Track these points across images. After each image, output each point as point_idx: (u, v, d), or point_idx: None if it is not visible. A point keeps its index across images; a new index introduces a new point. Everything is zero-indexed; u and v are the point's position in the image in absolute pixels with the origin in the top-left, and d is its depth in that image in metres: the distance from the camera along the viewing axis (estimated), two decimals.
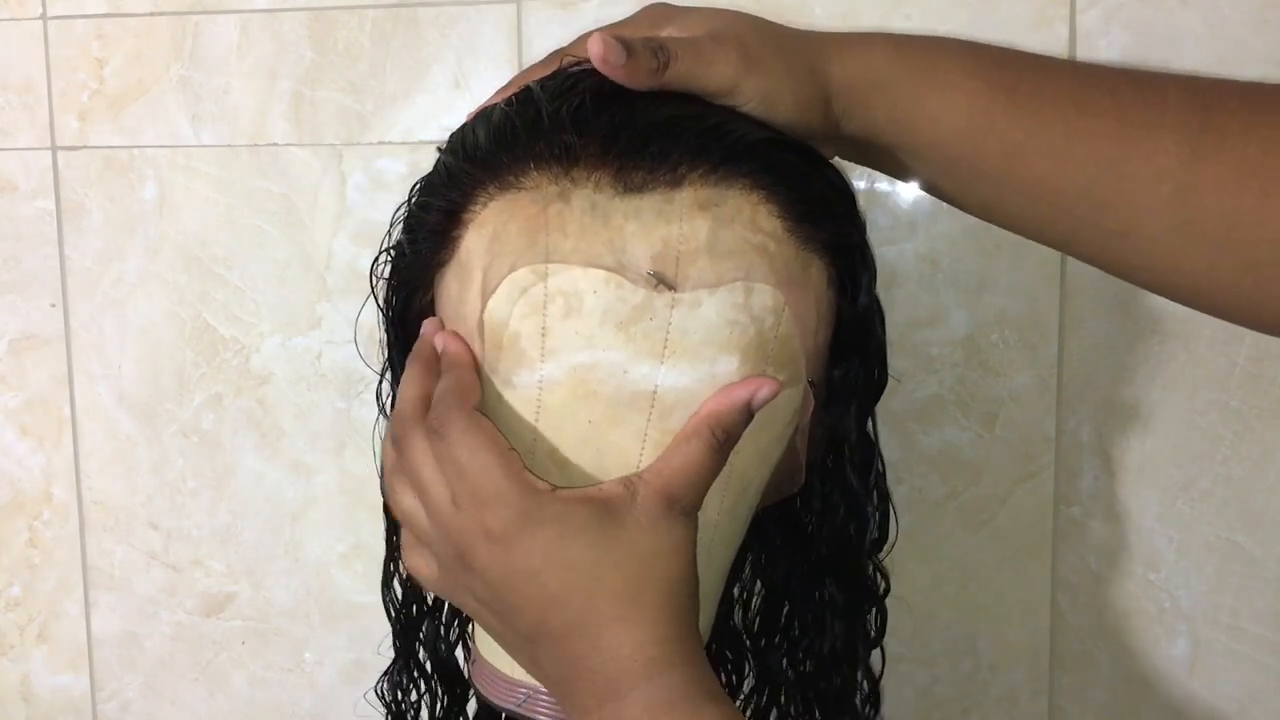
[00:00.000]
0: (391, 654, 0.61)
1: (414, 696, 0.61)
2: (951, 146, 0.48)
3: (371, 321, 0.57)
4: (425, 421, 0.47)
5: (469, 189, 0.48)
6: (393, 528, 0.58)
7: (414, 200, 0.52)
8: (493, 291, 0.46)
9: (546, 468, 0.47)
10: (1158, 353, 0.78)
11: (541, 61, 0.51)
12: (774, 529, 0.58)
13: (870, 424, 0.56)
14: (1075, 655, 0.82)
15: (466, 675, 0.59)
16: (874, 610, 0.59)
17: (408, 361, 0.49)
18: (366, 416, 0.83)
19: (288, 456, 0.87)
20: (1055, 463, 0.80)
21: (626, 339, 0.45)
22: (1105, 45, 0.76)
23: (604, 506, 0.44)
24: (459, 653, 0.60)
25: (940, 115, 0.48)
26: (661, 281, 0.45)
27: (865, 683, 0.59)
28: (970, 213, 0.52)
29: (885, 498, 0.57)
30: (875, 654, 0.60)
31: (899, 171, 0.52)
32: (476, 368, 0.48)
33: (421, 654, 0.60)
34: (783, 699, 0.60)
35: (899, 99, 0.48)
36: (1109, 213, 0.46)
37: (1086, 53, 0.76)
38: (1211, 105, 0.45)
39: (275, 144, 0.85)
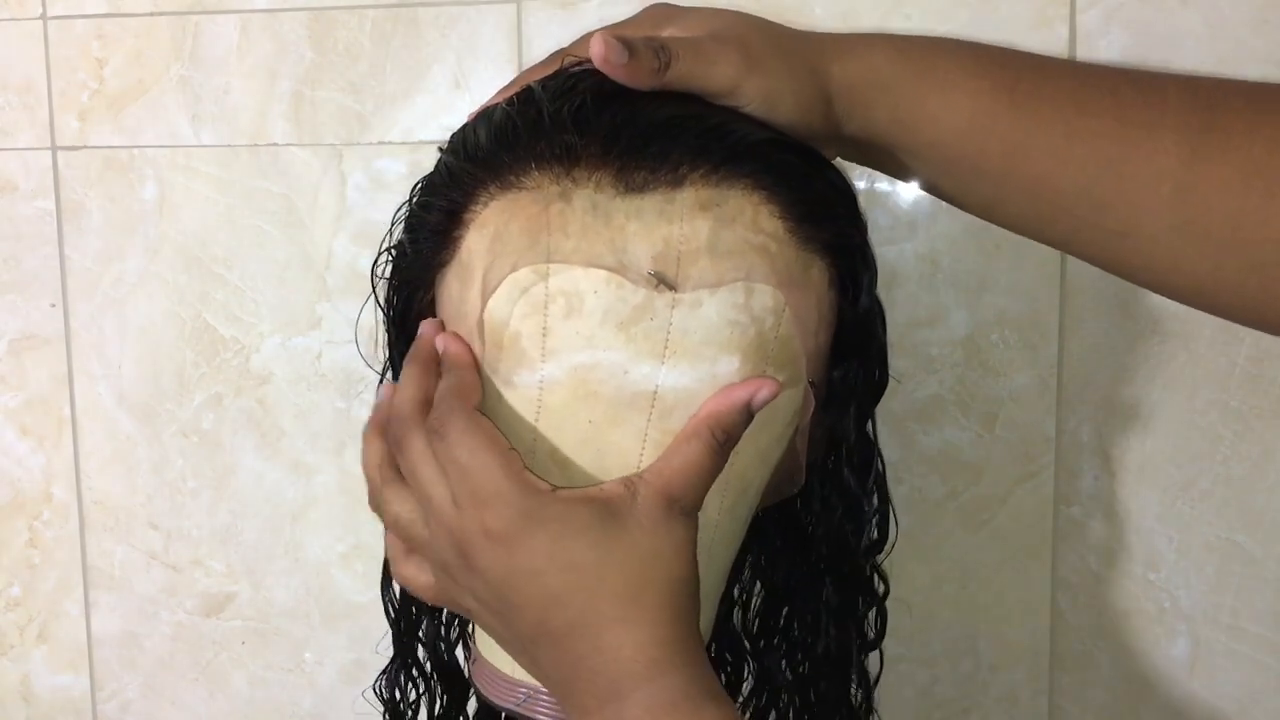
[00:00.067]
0: (390, 652, 0.61)
1: (413, 696, 0.61)
2: (952, 146, 0.48)
3: (372, 321, 0.57)
4: (425, 422, 0.46)
5: (470, 189, 0.48)
6: None
7: (415, 200, 0.52)
8: (493, 291, 0.46)
9: (547, 468, 0.47)
10: (1158, 353, 0.78)
11: (543, 61, 0.51)
12: (774, 530, 0.58)
13: (870, 425, 0.56)
14: (1075, 655, 0.82)
15: (467, 675, 0.59)
16: (874, 612, 0.59)
17: (405, 363, 0.49)
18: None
19: (288, 456, 0.87)
20: (1055, 463, 0.80)
21: (627, 339, 0.45)
22: (1105, 45, 0.76)
23: (605, 507, 0.44)
24: (459, 652, 0.60)
25: (941, 115, 0.47)
26: (662, 281, 0.45)
27: (860, 690, 0.59)
28: (971, 212, 0.52)
29: (885, 500, 0.57)
30: (874, 657, 0.60)
31: (900, 172, 0.52)
32: (477, 368, 0.47)
33: (421, 653, 0.60)
34: (782, 701, 0.60)
35: (900, 100, 0.48)
36: (1109, 212, 0.46)
37: (1086, 53, 0.76)
38: (1214, 105, 0.45)
39: (275, 144, 0.85)
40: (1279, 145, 0.43)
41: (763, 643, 0.61)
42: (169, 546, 0.89)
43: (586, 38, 0.47)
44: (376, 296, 0.55)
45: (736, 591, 0.61)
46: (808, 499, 0.56)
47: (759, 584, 0.61)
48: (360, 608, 0.88)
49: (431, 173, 0.51)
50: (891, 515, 0.58)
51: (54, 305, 0.88)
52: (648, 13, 0.51)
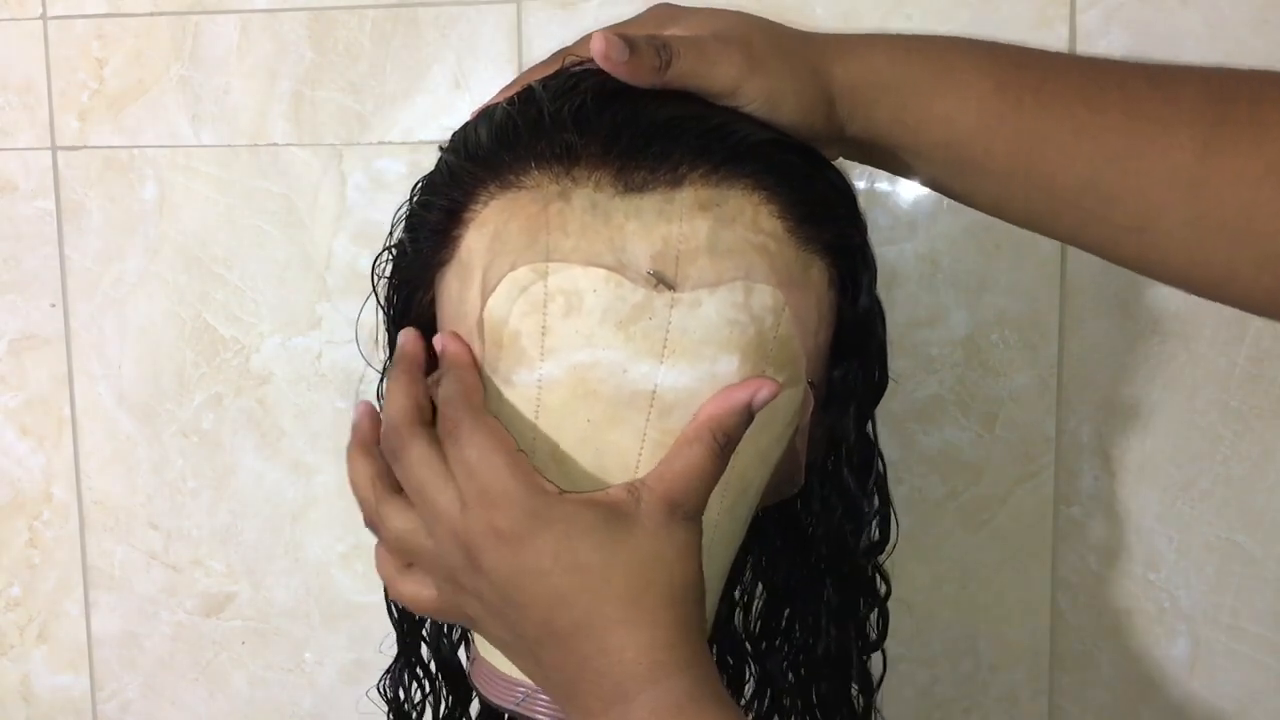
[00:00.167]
0: (392, 652, 0.61)
1: (417, 696, 0.61)
2: (959, 146, 0.48)
3: (372, 321, 0.57)
4: (423, 429, 0.46)
5: (470, 188, 0.48)
6: None
7: (415, 199, 0.52)
8: (493, 290, 0.46)
9: (546, 466, 0.47)
10: (1158, 353, 0.78)
11: (544, 61, 0.51)
12: (774, 530, 0.58)
13: (870, 426, 0.56)
14: (1075, 655, 0.82)
15: (468, 674, 0.59)
16: (875, 613, 0.59)
17: (390, 374, 0.49)
18: None
19: (288, 456, 0.87)
20: (1055, 463, 0.80)
21: (626, 338, 0.45)
22: (1105, 45, 0.76)
23: (611, 510, 0.44)
24: (461, 652, 0.60)
25: (947, 115, 0.47)
26: (661, 281, 0.45)
27: (861, 694, 0.59)
28: (978, 209, 0.51)
29: (886, 500, 0.57)
30: (877, 658, 0.60)
31: (904, 171, 0.52)
32: (476, 367, 0.47)
33: (424, 652, 0.60)
34: (785, 703, 0.60)
35: (904, 100, 0.48)
36: (1121, 207, 0.46)
37: (1086, 52, 0.76)
38: (1226, 99, 0.45)
39: (275, 144, 0.85)
40: None
41: (764, 644, 0.61)
42: (169, 546, 0.89)
43: (589, 37, 0.47)
44: (377, 296, 0.55)
45: (737, 593, 0.61)
46: (808, 499, 0.56)
47: (760, 585, 0.61)
48: (360, 608, 0.88)
49: (432, 172, 0.51)
50: (892, 516, 0.58)
51: (54, 305, 0.88)
52: (651, 13, 0.51)
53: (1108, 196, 0.46)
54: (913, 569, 0.81)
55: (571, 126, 0.46)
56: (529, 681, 0.49)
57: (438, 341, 0.48)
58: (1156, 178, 0.45)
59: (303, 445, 0.87)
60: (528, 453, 0.46)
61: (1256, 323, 0.77)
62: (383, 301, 0.55)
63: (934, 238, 0.79)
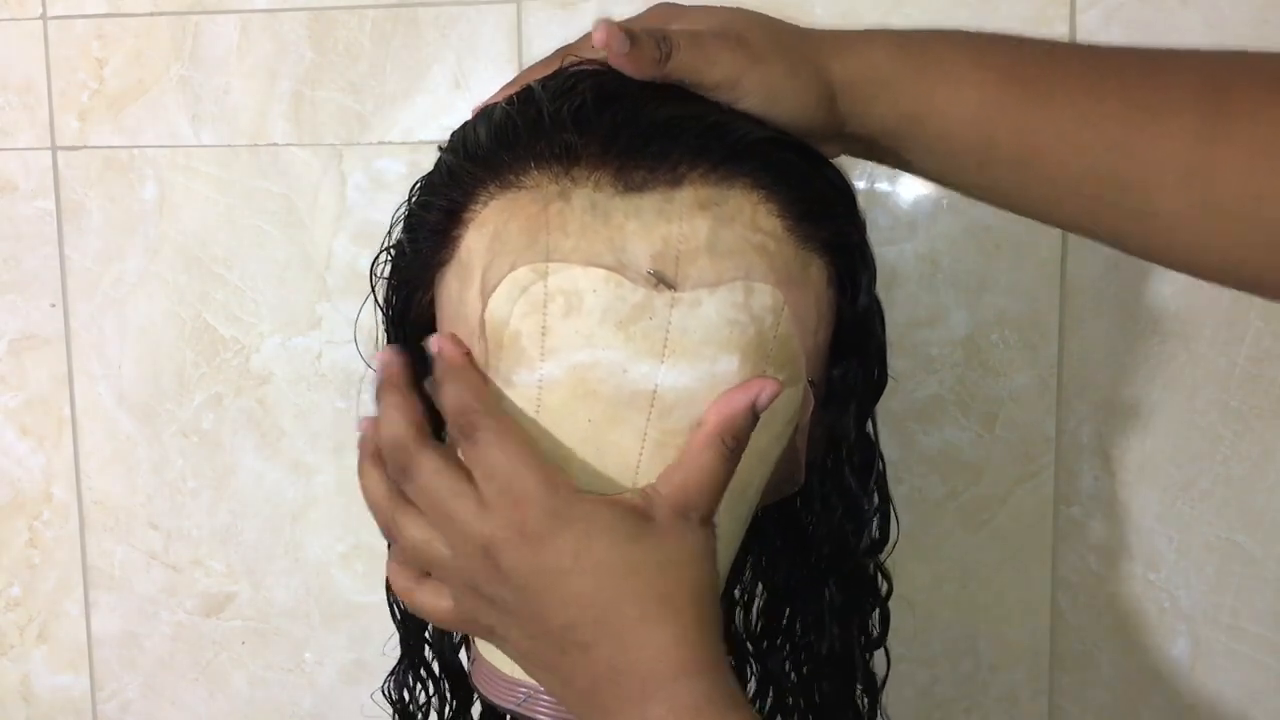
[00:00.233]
0: (395, 654, 0.61)
1: (422, 698, 0.61)
2: (960, 138, 0.48)
3: (371, 322, 0.57)
4: (430, 438, 0.46)
5: (470, 188, 0.48)
6: None
7: (414, 199, 0.52)
8: (493, 290, 0.46)
9: None
10: (1158, 353, 0.78)
11: (545, 60, 0.51)
12: (773, 530, 0.58)
13: (871, 424, 0.56)
14: (1075, 655, 0.82)
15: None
16: (876, 611, 0.59)
17: (380, 393, 0.48)
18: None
19: (288, 456, 0.87)
20: (1055, 463, 0.80)
21: (626, 338, 0.45)
22: (1105, 45, 0.76)
23: (629, 511, 0.44)
24: (463, 654, 0.60)
25: (947, 108, 0.47)
26: (661, 281, 0.45)
27: (865, 694, 0.59)
28: (982, 200, 0.51)
29: (886, 499, 0.57)
30: (880, 657, 0.60)
31: (906, 165, 0.52)
32: (475, 366, 0.47)
33: (428, 654, 0.60)
34: (788, 702, 0.60)
35: (904, 94, 0.48)
36: (1126, 194, 0.46)
37: None
38: (1225, 85, 0.45)
39: (275, 144, 0.85)
40: None
41: (766, 644, 0.61)
42: (169, 546, 0.89)
43: (589, 36, 0.47)
44: (375, 297, 0.55)
45: (738, 592, 0.61)
46: (808, 498, 0.56)
47: (760, 584, 0.61)
48: (360, 608, 0.88)
49: (431, 172, 0.51)
50: (893, 514, 0.58)
51: (54, 305, 0.88)
52: (652, 11, 0.51)
53: (1110, 185, 0.46)
54: (913, 569, 0.81)
55: (571, 126, 0.46)
56: (530, 681, 0.48)
57: (433, 343, 0.48)
58: (1159, 165, 0.45)
59: (303, 445, 0.87)
60: None
61: (1256, 323, 0.77)
62: (381, 302, 0.55)
63: (934, 238, 0.79)
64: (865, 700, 0.59)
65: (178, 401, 0.88)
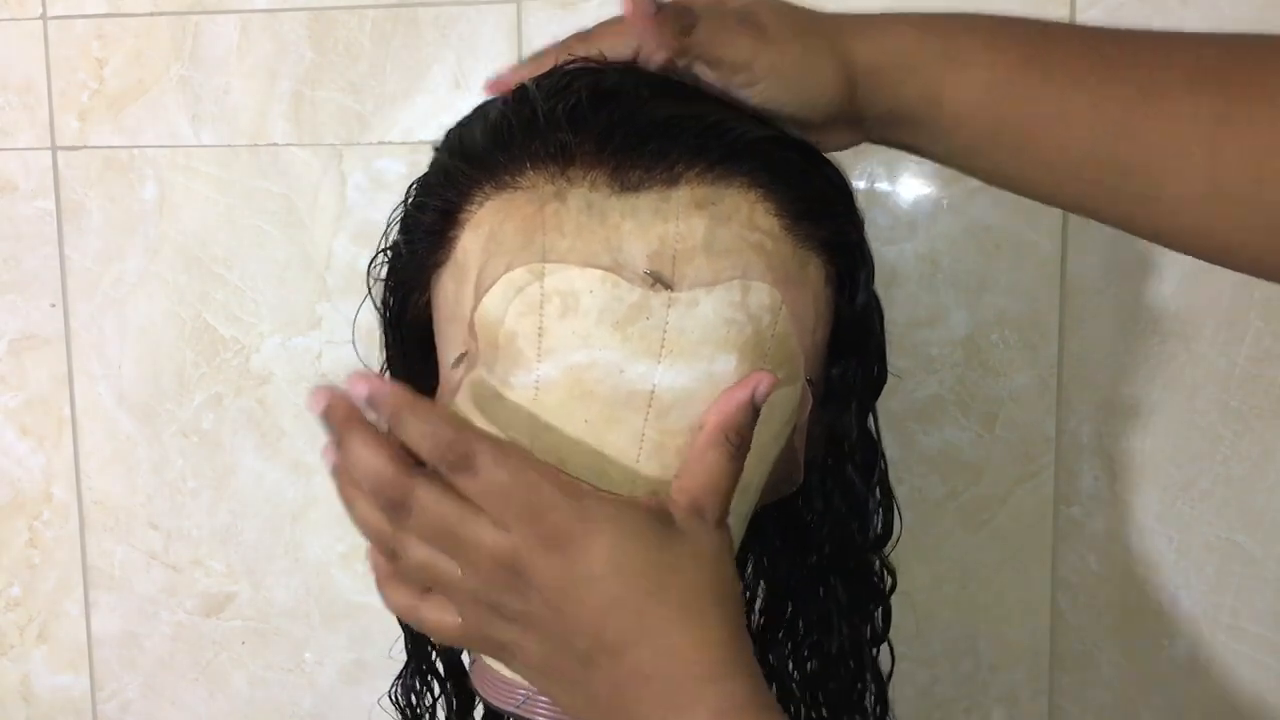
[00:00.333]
0: (400, 657, 0.61)
1: (428, 700, 0.61)
2: (974, 120, 0.48)
3: (370, 321, 0.57)
4: (420, 468, 0.43)
5: (465, 189, 0.48)
6: None
7: (410, 200, 0.52)
8: (488, 291, 0.46)
9: None
10: (1158, 353, 0.78)
11: (560, 44, 0.50)
12: (773, 529, 0.58)
13: (872, 421, 0.56)
14: (1075, 655, 0.82)
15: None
16: (880, 607, 0.59)
17: (342, 432, 0.44)
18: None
19: (288, 456, 0.87)
20: (1055, 463, 0.80)
21: (623, 338, 0.45)
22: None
23: (652, 513, 0.44)
24: (465, 656, 0.60)
25: (959, 91, 0.48)
26: (658, 281, 0.45)
27: (874, 684, 0.59)
28: (999, 185, 0.51)
29: (889, 494, 0.57)
30: (884, 652, 0.60)
31: (927, 151, 0.52)
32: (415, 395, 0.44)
33: (434, 655, 0.60)
34: (793, 700, 0.60)
35: (922, 77, 0.48)
36: (1134, 177, 0.46)
37: None
38: (1236, 66, 0.45)
39: (275, 144, 0.85)
40: None
41: (769, 641, 0.61)
42: (169, 546, 0.89)
43: (604, 23, 0.47)
44: (373, 299, 0.55)
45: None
46: (809, 497, 0.56)
47: (761, 582, 0.61)
48: (360, 608, 0.88)
49: (426, 172, 0.51)
50: (895, 509, 0.58)
51: (54, 305, 0.88)
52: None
53: (1119, 167, 0.46)
54: (913, 569, 0.81)
55: (566, 126, 0.45)
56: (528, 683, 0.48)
57: (360, 390, 0.43)
58: (1167, 148, 0.45)
59: (303, 445, 0.87)
60: None
61: (1256, 323, 0.77)
62: (379, 304, 0.55)
63: (934, 238, 0.79)
64: (874, 695, 0.59)
65: (178, 401, 0.88)
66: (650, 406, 0.46)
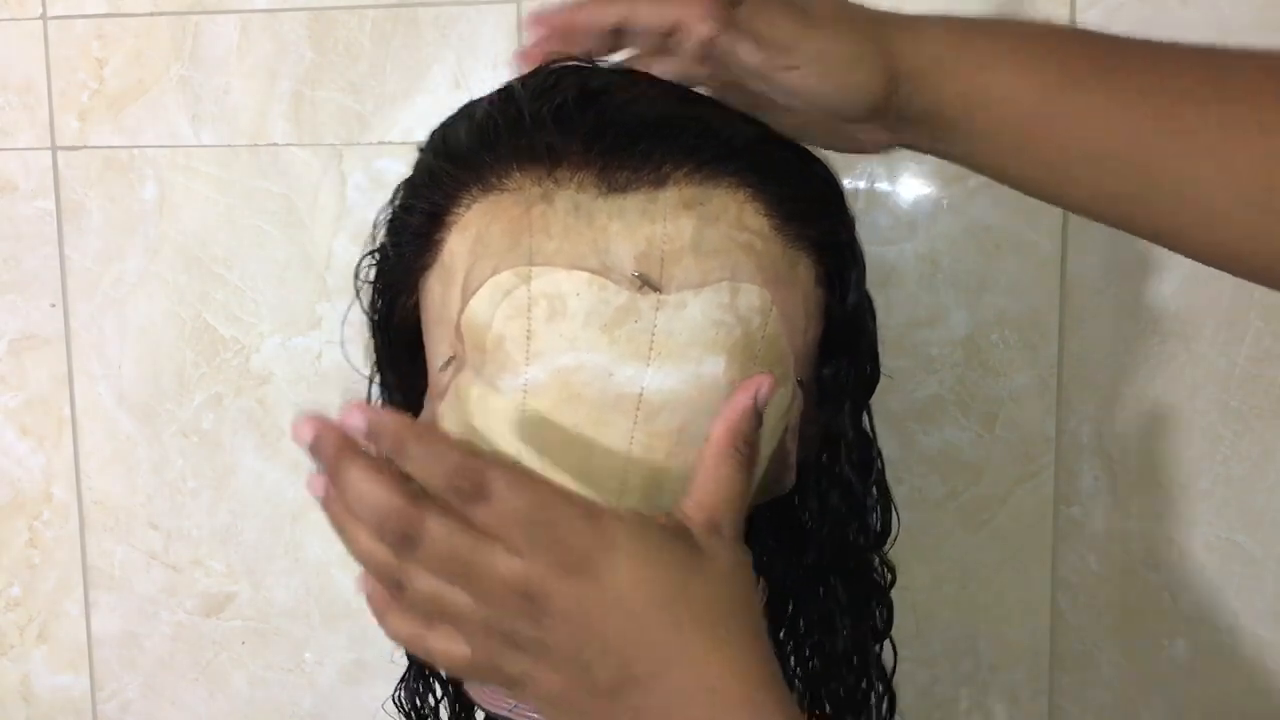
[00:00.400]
0: (402, 660, 0.61)
1: (431, 701, 0.61)
2: (1021, 124, 0.47)
3: (362, 323, 0.57)
4: (428, 498, 0.41)
5: (451, 191, 0.47)
6: None
7: (396, 202, 0.51)
8: (475, 294, 0.46)
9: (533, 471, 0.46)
10: (1158, 353, 0.78)
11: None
12: (767, 530, 0.58)
13: (867, 420, 0.56)
14: (1075, 655, 0.81)
15: None
16: (880, 605, 0.59)
17: (337, 463, 0.41)
18: None
19: (288, 456, 0.87)
20: (1055, 463, 0.80)
21: (610, 341, 0.45)
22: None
23: (672, 532, 0.42)
24: None
25: (1012, 93, 0.47)
26: (646, 283, 0.44)
27: (879, 682, 0.59)
28: (1034, 194, 0.51)
29: (886, 493, 0.57)
30: (886, 651, 0.60)
31: (963, 154, 0.51)
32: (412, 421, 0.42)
33: None
34: (799, 697, 0.60)
35: (972, 77, 0.47)
36: (1181, 190, 0.46)
37: None
38: (1255, 71, 0.45)
39: (275, 144, 0.85)
40: None
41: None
42: (169, 546, 0.89)
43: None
44: (360, 301, 0.55)
45: None
46: (805, 497, 0.55)
47: (762, 581, 0.61)
48: (360, 608, 0.87)
49: (412, 174, 0.51)
50: (892, 507, 0.57)
51: (54, 305, 0.88)
52: None
53: (1173, 180, 0.46)
54: (913, 569, 0.81)
55: (552, 126, 0.45)
56: None
57: (358, 420, 0.40)
58: (1216, 160, 0.45)
59: None
60: (514, 457, 0.46)
61: (1256, 323, 0.77)
62: (366, 306, 0.54)
63: (934, 238, 0.79)
64: (879, 693, 0.59)
65: (178, 401, 0.88)
66: (639, 409, 0.45)
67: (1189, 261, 0.49)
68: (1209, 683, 0.80)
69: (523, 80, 0.48)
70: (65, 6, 0.86)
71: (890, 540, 0.58)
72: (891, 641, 0.60)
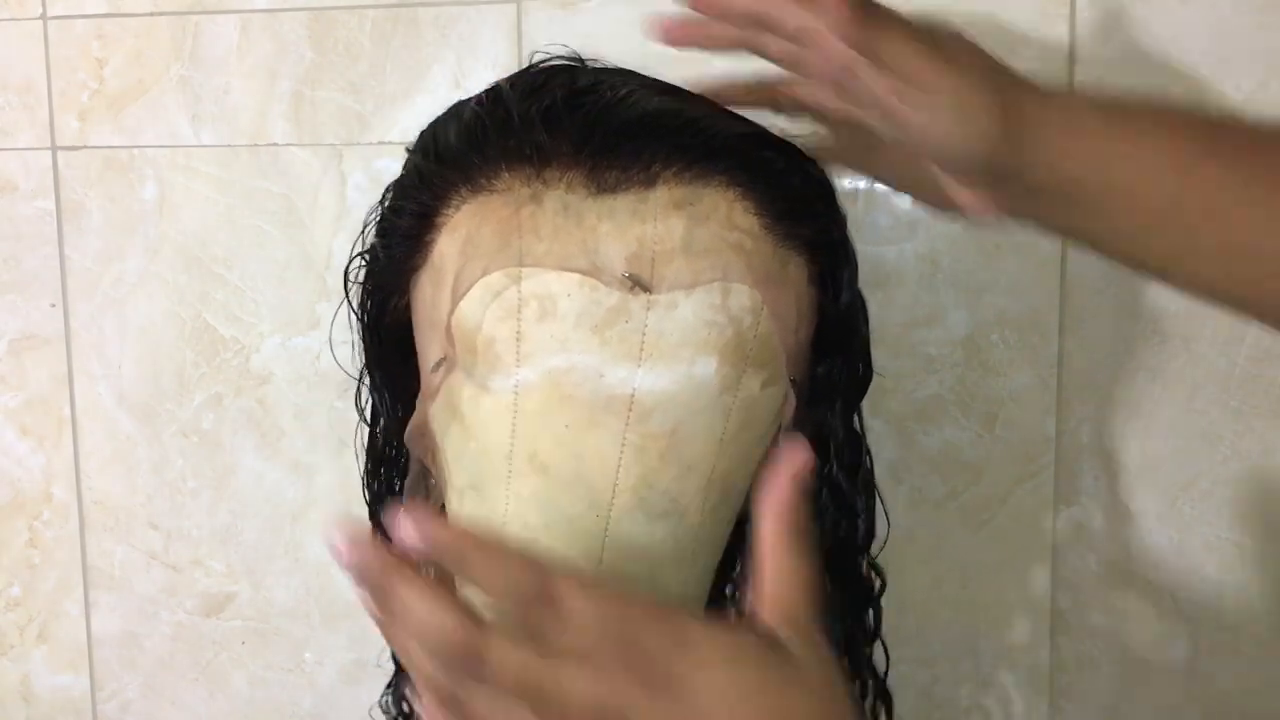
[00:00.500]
0: (390, 665, 0.61)
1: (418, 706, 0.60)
2: (1148, 196, 0.46)
3: (356, 325, 0.57)
4: (490, 626, 0.37)
5: (441, 191, 0.47)
6: None
7: (386, 203, 0.51)
8: (465, 295, 0.46)
9: (525, 473, 0.46)
10: (1158, 353, 0.78)
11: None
12: None
13: (857, 420, 0.55)
14: (1075, 655, 0.81)
15: None
16: (870, 606, 0.59)
17: (385, 592, 0.38)
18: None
19: (288, 456, 0.87)
20: (1055, 463, 0.80)
21: (601, 342, 0.44)
22: (1105, 45, 0.76)
23: (760, 638, 0.39)
24: None
25: (1141, 163, 0.46)
26: (637, 283, 0.44)
27: (871, 682, 0.59)
28: (1147, 271, 0.50)
29: (872, 495, 0.57)
30: (878, 653, 0.60)
31: (1074, 226, 0.49)
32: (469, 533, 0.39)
33: None
34: None
35: (1101, 143, 0.46)
36: None
37: (1086, 52, 0.76)
38: None
39: (275, 144, 0.85)
40: None
41: None
42: (169, 546, 0.89)
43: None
44: (350, 303, 0.55)
45: (730, 591, 0.61)
46: None
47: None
48: (360, 608, 0.87)
49: (401, 175, 0.51)
50: (881, 509, 0.57)
51: (54, 305, 0.88)
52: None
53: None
54: (913, 569, 0.81)
55: (540, 127, 0.45)
56: None
57: (405, 535, 0.37)
58: None
59: (303, 445, 0.87)
60: (506, 459, 0.46)
61: (1257, 323, 0.77)
62: (356, 307, 0.54)
63: (934, 238, 0.79)
64: (874, 694, 0.59)
65: (178, 401, 0.88)
66: (631, 410, 0.45)
67: None
68: (1209, 683, 0.80)
69: (511, 80, 0.48)
70: (65, 6, 0.86)
71: (882, 544, 0.58)
72: (883, 643, 0.60)
